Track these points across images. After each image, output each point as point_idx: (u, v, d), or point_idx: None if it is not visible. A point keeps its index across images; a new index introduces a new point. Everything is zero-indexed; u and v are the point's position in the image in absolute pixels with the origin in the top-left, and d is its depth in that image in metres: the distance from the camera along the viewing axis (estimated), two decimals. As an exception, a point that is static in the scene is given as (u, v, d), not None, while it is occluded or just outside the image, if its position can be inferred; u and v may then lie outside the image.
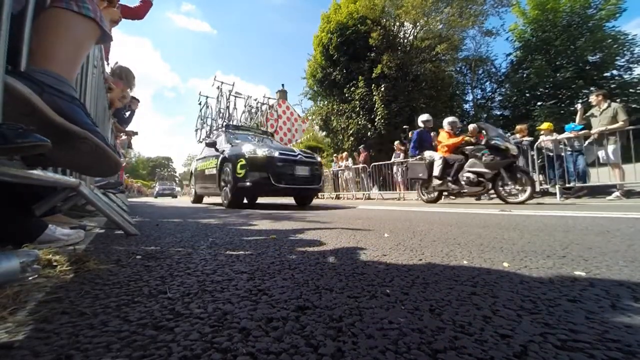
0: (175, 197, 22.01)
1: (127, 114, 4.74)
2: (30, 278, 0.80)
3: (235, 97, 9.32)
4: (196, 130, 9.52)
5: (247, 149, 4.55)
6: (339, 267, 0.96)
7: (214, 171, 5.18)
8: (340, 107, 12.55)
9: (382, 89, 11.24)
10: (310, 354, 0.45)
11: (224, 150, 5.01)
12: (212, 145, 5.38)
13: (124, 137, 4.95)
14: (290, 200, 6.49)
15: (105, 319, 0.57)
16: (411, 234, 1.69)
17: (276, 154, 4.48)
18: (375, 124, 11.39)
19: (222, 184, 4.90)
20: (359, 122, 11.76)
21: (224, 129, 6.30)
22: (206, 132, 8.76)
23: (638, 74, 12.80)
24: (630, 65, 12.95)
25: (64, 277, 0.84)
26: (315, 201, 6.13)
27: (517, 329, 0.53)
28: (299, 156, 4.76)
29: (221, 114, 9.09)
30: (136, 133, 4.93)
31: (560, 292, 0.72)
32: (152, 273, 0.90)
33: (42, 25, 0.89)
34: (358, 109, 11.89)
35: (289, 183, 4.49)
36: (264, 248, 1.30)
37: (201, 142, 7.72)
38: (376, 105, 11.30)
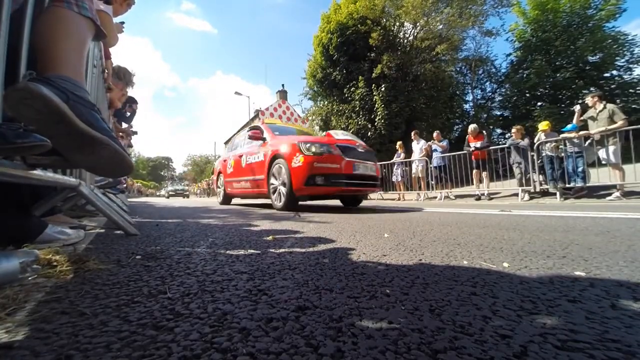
0: (188, 197, 24.06)
1: (128, 114, 4.74)
2: (30, 278, 0.80)
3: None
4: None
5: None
6: (339, 267, 0.96)
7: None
8: (340, 107, 12.55)
9: (382, 89, 11.24)
10: (310, 354, 0.45)
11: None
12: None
13: (125, 138, 4.95)
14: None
15: (105, 319, 0.57)
16: (411, 234, 1.69)
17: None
18: (375, 124, 11.39)
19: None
20: (359, 122, 11.75)
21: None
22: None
23: (638, 74, 12.80)
24: (630, 66, 12.93)
25: (63, 277, 0.84)
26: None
27: (517, 329, 0.53)
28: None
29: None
30: (135, 132, 4.93)
31: (560, 293, 0.72)
32: (152, 273, 0.90)
33: (48, 27, 0.90)
34: (358, 109, 11.89)
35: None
36: (264, 248, 1.30)
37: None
38: (376, 106, 11.30)
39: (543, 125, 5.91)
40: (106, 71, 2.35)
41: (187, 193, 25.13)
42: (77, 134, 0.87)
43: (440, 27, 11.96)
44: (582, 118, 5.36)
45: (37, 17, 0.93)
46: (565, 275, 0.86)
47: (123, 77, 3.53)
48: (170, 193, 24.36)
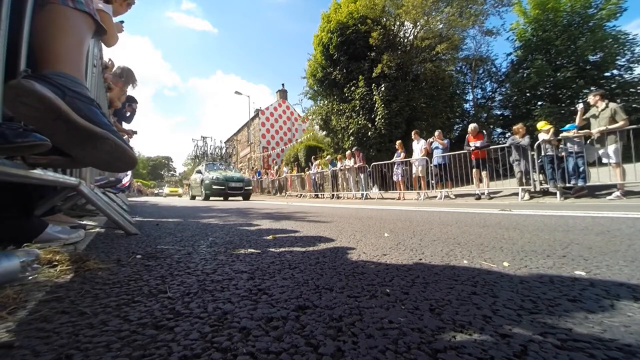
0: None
1: (128, 114, 4.74)
2: (30, 277, 0.80)
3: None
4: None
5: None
6: (339, 267, 0.96)
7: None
8: (340, 107, 12.53)
9: (382, 88, 11.23)
10: (310, 354, 0.45)
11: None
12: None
13: (125, 137, 4.94)
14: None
15: (105, 319, 0.57)
16: (411, 233, 1.69)
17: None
18: (376, 123, 11.38)
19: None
20: (359, 122, 11.75)
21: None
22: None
23: (639, 74, 12.78)
24: (631, 65, 12.89)
25: (64, 277, 0.84)
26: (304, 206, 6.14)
27: (517, 328, 0.53)
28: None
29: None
30: (135, 132, 4.92)
31: (560, 292, 0.72)
32: (152, 272, 0.90)
33: (46, 24, 0.89)
34: (358, 108, 11.88)
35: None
36: (264, 247, 1.30)
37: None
38: (376, 105, 11.29)
39: (541, 125, 5.90)
40: (108, 67, 2.34)
41: (250, 188, 10.85)
42: (76, 129, 0.87)
43: (441, 26, 11.94)
44: (584, 117, 5.35)
45: (34, 15, 0.93)
46: (565, 275, 0.86)
47: (125, 76, 3.53)
48: (213, 188, 9.86)
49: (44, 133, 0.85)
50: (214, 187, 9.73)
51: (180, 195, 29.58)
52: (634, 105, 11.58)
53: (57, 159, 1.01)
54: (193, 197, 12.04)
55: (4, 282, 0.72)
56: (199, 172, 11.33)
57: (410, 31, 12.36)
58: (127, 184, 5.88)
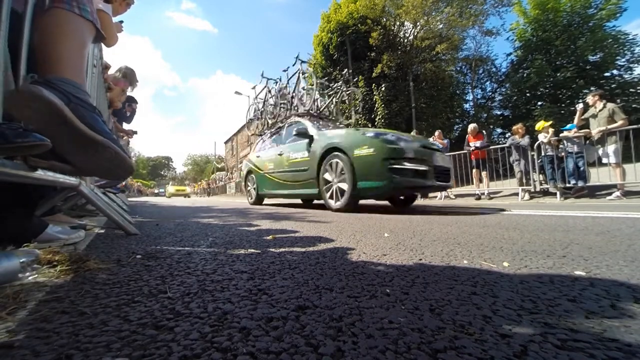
0: None
1: (128, 114, 4.74)
2: (30, 277, 0.80)
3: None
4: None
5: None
6: (339, 267, 0.96)
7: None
8: (340, 107, 12.56)
9: (382, 88, 11.26)
10: (310, 354, 0.45)
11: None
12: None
13: (125, 137, 4.95)
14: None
15: (105, 319, 0.57)
16: (411, 233, 1.69)
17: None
18: (376, 123, 11.41)
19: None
20: (359, 122, 11.77)
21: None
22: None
23: (638, 74, 12.80)
24: (631, 65, 12.94)
25: (64, 277, 0.84)
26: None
27: (517, 328, 0.53)
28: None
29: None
30: (135, 132, 4.93)
31: (560, 292, 0.72)
32: (152, 272, 0.90)
33: (49, 29, 0.90)
34: (358, 108, 11.91)
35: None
36: (264, 247, 1.30)
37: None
38: (376, 105, 11.31)
39: (539, 125, 5.90)
40: (108, 67, 2.34)
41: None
42: (79, 136, 0.88)
43: (441, 26, 11.98)
44: (583, 117, 5.36)
45: (36, 18, 0.93)
46: (565, 275, 0.86)
47: (128, 77, 3.54)
48: (399, 171, 2.90)
49: (46, 137, 0.85)
50: (407, 165, 3.03)
51: (188, 196, 24.93)
52: (634, 105, 11.59)
53: (58, 164, 1.02)
54: (260, 200, 5.73)
55: (4, 282, 0.72)
56: (303, 134, 4.28)
57: (410, 31, 12.39)
58: (125, 184, 5.87)
